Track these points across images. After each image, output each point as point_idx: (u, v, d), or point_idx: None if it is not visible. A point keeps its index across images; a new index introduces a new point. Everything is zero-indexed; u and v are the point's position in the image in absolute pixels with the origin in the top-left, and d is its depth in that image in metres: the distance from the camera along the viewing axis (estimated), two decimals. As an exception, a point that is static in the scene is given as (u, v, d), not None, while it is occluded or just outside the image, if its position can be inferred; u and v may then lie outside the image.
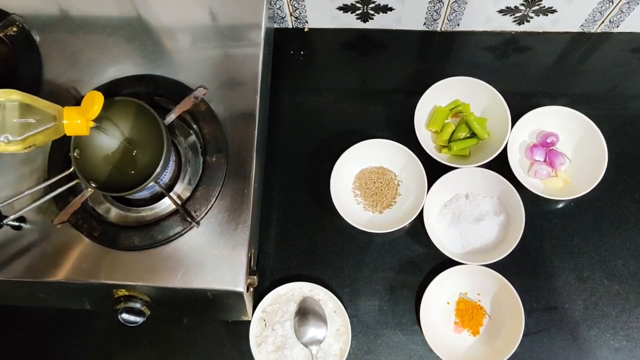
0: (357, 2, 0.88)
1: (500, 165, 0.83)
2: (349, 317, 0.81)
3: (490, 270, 0.79)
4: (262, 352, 0.80)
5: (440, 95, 0.88)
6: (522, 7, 0.87)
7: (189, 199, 0.75)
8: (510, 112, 0.84)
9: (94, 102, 0.63)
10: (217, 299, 0.74)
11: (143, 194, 0.75)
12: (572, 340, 0.80)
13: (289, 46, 0.97)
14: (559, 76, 0.92)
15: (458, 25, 0.94)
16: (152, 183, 0.69)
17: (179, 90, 0.78)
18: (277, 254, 0.86)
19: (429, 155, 0.84)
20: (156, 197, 0.76)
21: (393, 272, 0.84)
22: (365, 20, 0.94)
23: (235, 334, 0.83)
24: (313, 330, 0.79)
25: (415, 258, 0.85)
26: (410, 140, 0.84)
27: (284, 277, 0.84)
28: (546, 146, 0.86)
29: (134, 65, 0.82)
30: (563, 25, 0.93)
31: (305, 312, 0.80)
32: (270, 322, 0.81)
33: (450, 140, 0.87)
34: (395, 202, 0.86)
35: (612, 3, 0.85)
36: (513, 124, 0.84)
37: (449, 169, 0.83)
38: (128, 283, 0.73)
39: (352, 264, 0.85)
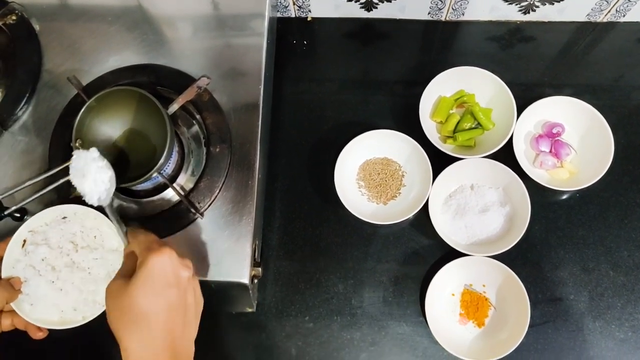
0: (361, -10, 0.87)
1: (506, 156, 0.83)
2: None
3: (496, 261, 0.79)
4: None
5: (445, 86, 0.87)
6: (528, -4, 0.87)
7: (192, 190, 0.74)
8: (515, 103, 0.83)
9: None
10: (221, 290, 0.74)
11: (146, 185, 0.74)
12: (578, 332, 0.80)
13: (292, 36, 0.96)
14: (564, 66, 0.92)
15: (463, 14, 0.93)
16: (155, 174, 0.68)
17: (182, 80, 0.77)
18: (281, 245, 0.85)
19: (434, 146, 0.83)
20: (159, 188, 0.75)
21: (397, 263, 0.84)
22: (369, 10, 0.93)
23: (239, 326, 0.82)
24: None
25: (420, 249, 0.84)
26: (414, 131, 0.84)
27: (288, 268, 0.84)
28: (552, 137, 0.86)
29: (135, 55, 0.81)
30: (569, 15, 0.92)
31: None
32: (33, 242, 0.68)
33: (455, 131, 0.86)
34: (400, 193, 0.86)
35: (620, -8, 0.84)
36: (518, 114, 0.83)
37: (454, 159, 0.82)
38: (131, 275, 0.72)
39: (357, 256, 0.84)
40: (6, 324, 0.66)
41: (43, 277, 0.66)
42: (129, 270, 0.60)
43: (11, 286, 0.64)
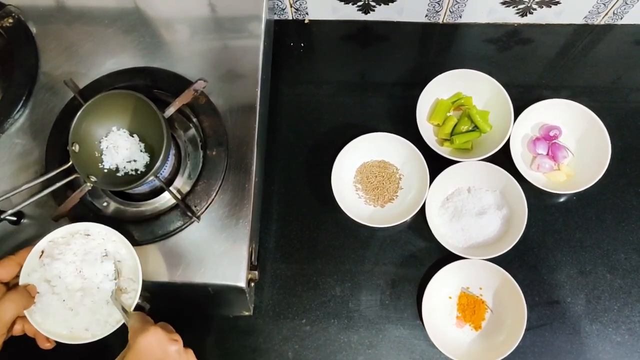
0: (358, -7, 0.87)
1: (503, 158, 0.83)
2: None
3: (493, 264, 0.79)
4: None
5: (442, 88, 0.87)
6: (525, -1, 0.87)
7: (189, 193, 0.74)
8: (512, 105, 0.83)
9: None
10: (218, 294, 0.74)
11: (143, 188, 0.74)
12: (575, 335, 0.80)
13: (289, 38, 0.96)
14: (561, 69, 0.92)
15: (460, 17, 0.93)
16: (152, 177, 0.68)
17: (178, 83, 0.77)
18: (278, 248, 0.85)
19: (431, 149, 0.83)
20: (156, 192, 0.75)
21: (395, 266, 0.84)
22: (366, 12, 0.93)
23: (236, 329, 0.82)
24: None
25: (417, 252, 0.84)
26: (412, 133, 0.84)
27: (285, 271, 0.84)
28: (549, 139, 0.86)
29: (132, 58, 0.81)
30: (566, 17, 0.92)
31: None
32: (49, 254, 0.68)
33: (452, 134, 0.86)
34: (397, 196, 0.86)
35: (617, -6, 0.84)
36: (515, 117, 0.83)
37: (451, 162, 0.82)
38: (128, 278, 0.72)
39: (354, 258, 0.84)
40: (17, 329, 0.66)
41: (56, 296, 0.66)
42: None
43: (29, 293, 0.65)
